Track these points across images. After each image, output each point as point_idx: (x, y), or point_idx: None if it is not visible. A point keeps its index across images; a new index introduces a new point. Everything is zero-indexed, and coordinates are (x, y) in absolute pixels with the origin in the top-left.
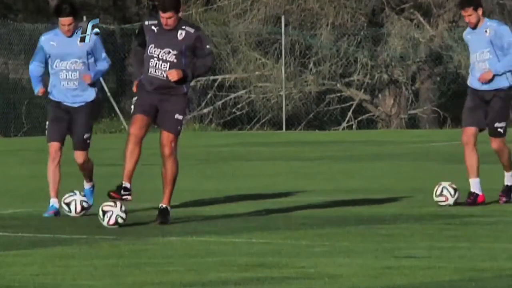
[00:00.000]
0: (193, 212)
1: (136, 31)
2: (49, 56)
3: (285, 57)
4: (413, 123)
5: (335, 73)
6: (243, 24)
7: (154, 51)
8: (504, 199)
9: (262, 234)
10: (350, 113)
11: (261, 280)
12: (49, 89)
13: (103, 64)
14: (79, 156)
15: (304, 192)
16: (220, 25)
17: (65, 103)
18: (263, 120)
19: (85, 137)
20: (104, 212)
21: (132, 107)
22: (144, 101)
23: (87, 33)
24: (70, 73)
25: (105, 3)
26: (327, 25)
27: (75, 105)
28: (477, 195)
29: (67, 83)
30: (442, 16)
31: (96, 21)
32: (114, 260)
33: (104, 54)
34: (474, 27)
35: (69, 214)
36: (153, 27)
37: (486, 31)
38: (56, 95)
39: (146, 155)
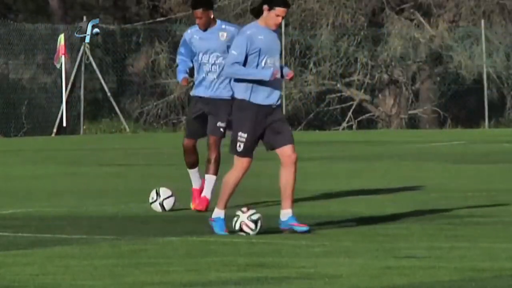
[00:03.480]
0: (193, 212)
1: None
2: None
3: (285, 57)
4: (413, 123)
5: (335, 73)
6: (243, 24)
7: None
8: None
9: (262, 234)
10: (350, 113)
11: (261, 280)
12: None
13: None
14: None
15: (304, 192)
16: None
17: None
18: None
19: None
20: None
21: None
22: None
23: (87, 33)
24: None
25: (105, 3)
26: (327, 25)
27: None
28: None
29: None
30: (442, 16)
31: (96, 21)
32: (114, 260)
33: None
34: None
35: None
36: None
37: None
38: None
39: (147, 155)
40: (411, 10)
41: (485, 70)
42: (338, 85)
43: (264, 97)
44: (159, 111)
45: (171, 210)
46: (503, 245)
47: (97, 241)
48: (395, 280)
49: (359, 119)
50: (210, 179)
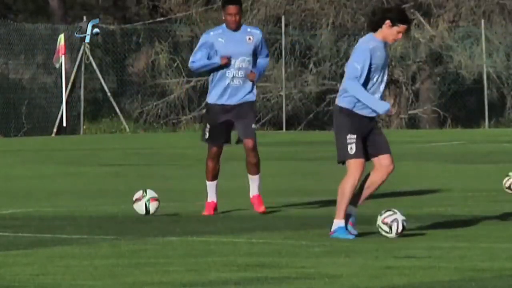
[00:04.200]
0: (194, 212)
1: None
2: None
3: (285, 57)
4: (413, 123)
5: (335, 73)
6: (243, 24)
7: None
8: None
9: (262, 234)
10: None
11: (261, 280)
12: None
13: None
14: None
15: (304, 192)
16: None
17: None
18: (263, 120)
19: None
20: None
21: None
22: None
23: (87, 33)
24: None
25: (105, 3)
26: (327, 25)
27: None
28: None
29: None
30: (442, 16)
31: (96, 21)
32: (114, 260)
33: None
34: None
35: (387, 235)
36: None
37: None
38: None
39: (148, 155)
40: (411, 10)
41: (485, 70)
42: (338, 85)
43: (368, 112)
44: (159, 111)
45: (154, 213)
46: (503, 245)
47: (97, 241)
48: (395, 280)
49: None
50: (255, 178)
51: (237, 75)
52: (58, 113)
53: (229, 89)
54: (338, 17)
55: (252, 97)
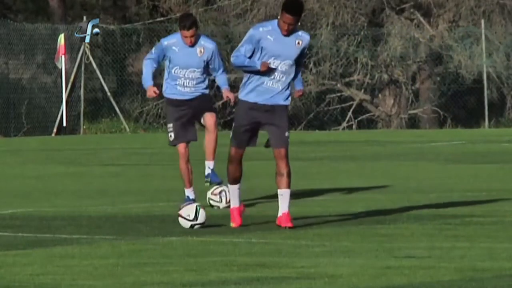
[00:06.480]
0: None
1: None
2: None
3: None
4: (413, 123)
5: (335, 73)
6: (243, 24)
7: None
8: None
9: (262, 234)
10: (350, 113)
11: (261, 280)
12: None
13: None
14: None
15: (304, 192)
16: (220, 25)
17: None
18: None
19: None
20: None
21: None
22: None
23: (87, 33)
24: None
25: (105, 3)
26: (327, 25)
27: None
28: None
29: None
30: (442, 16)
31: (96, 21)
32: (114, 260)
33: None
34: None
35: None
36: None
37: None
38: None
39: (148, 155)
40: (411, 10)
41: (485, 70)
42: (338, 85)
43: None
44: (159, 111)
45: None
46: (503, 245)
47: (97, 241)
48: (395, 280)
49: (359, 119)
50: (285, 193)
51: (278, 78)
52: (58, 113)
53: (265, 88)
54: (338, 17)
55: (286, 101)
